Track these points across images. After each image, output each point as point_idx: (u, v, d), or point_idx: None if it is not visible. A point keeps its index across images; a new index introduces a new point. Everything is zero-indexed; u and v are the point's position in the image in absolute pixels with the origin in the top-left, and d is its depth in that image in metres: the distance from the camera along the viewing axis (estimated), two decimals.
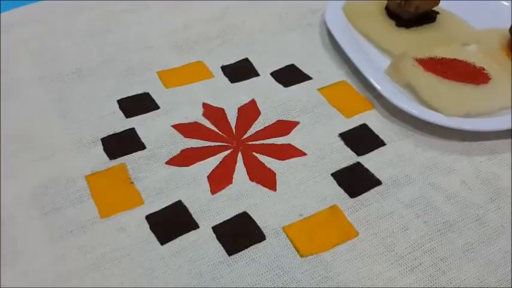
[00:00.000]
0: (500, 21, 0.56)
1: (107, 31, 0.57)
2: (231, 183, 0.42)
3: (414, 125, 0.47)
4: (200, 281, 0.36)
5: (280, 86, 0.51)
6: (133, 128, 0.46)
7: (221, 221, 0.39)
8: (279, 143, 0.45)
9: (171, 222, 0.39)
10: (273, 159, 0.44)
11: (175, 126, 0.46)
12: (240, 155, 0.44)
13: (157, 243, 0.38)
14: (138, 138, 0.45)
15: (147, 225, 0.39)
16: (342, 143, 0.45)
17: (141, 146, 0.45)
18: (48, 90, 0.50)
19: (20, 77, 0.51)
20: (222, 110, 0.48)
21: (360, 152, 0.45)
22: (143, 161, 0.43)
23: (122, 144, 0.45)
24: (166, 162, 0.43)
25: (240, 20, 0.59)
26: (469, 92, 0.47)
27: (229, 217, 0.39)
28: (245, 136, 0.46)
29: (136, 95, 0.50)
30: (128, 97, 0.49)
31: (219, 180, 0.42)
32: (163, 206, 0.40)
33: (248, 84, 0.51)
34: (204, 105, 0.49)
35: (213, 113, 0.48)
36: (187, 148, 0.45)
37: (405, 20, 0.56)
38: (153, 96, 0.49)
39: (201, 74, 0.52)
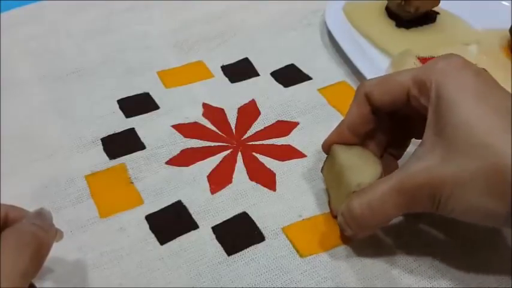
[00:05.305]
0: (500, 21, 0.56)
1: (107, 31, 0.57)
2: (231, 183, 0.42)
3: None
4: (199, 281, 0.36)
5: (280, 86, 0.51)
6: (133, 128, 0.46)
7: (221, 221, 0.39)
8: (278, 143, 0.45)
9: (170, 222, 0.39)
10: (272, 159, 0.44)
11: (175, 126, 0.46)
12: (239, 155, 0.44)
13: (157, 243, 0.38)
14: (138, 138, 0.45)
15: (146, 225, 0.39)
16: None
17: (141, 146, 0.45)
18: (48, 90, 0.50)
19: (20, 77, 0.51)
20: (222, 110, 0.48)
21: None
22: (143, 161, 0.43)
23: (121, 144, 0.45)
24: (166, 162, 0.43)
25: (240, 20, 0.59)
26: None
27: (228, 217, 0.39)
28: (245, 136, 0.46)
29: (136, 95, 0.50)
30: (128, 97, 0.49)
31: (219, 180, 0.42)
32: (163, 206, 0.40)
33: (248, 84, 0.51)
34: (204, 105, 0.49)
35: (213, 113, 0.48)
36: (187, 148, 0.45)
37: (405, 21, 0.56)
38: (153, 96, 0.49)
39: (201, 74, 0.52)
